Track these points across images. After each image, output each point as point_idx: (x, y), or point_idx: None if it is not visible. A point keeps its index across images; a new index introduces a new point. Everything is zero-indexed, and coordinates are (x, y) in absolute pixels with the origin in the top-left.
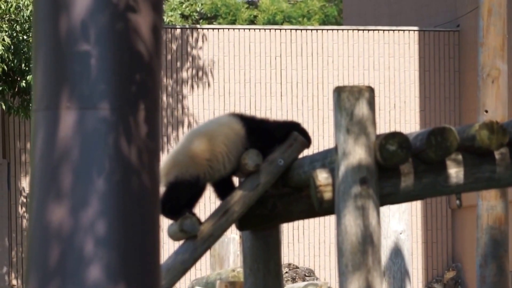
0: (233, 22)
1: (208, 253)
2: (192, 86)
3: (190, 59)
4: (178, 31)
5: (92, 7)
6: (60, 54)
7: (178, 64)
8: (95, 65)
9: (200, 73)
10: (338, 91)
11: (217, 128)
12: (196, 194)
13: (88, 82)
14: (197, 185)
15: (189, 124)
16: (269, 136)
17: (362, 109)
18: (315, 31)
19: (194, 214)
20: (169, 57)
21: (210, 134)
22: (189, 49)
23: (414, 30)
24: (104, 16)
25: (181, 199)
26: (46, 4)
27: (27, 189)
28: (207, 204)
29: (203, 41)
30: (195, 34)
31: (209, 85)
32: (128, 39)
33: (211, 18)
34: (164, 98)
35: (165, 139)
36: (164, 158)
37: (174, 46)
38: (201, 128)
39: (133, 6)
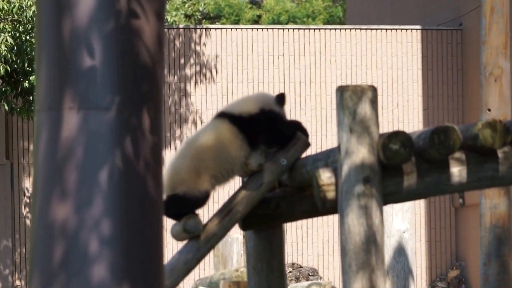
0: (237, 22)
1: (211, 253)
2: (196, 83)
3: (194, 55)
4: (182, 30)
5: (95, 8)
6: (63, 55)
7: (182, 61)
8: (98, 65)
9: (203, 71)
10: (341, 91)
11: (216, 140)
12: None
13: (91, 83)
14: (206, 197)
15: (193, 122)
16: (270, 136)
17: (365, 108)
18: (318, 30)
19: (197, 214)
20: (172, 54)
21: (212, 149)
22: (192, 46)
23: (416, 29)
24: (107, 17)
25: (188, 209)
26: (50, 5)
27: (30, 190)
28: (210, 203)
29: (206, 37)
30: (198, 32)
31: (213, 81)
32: (131, 39)
33: (214, 18)
34: (168, 95)
35: (168, 137)
36: (167, 168)
37: (177, 44)
38: (200, 140)
39: (135, 9)
